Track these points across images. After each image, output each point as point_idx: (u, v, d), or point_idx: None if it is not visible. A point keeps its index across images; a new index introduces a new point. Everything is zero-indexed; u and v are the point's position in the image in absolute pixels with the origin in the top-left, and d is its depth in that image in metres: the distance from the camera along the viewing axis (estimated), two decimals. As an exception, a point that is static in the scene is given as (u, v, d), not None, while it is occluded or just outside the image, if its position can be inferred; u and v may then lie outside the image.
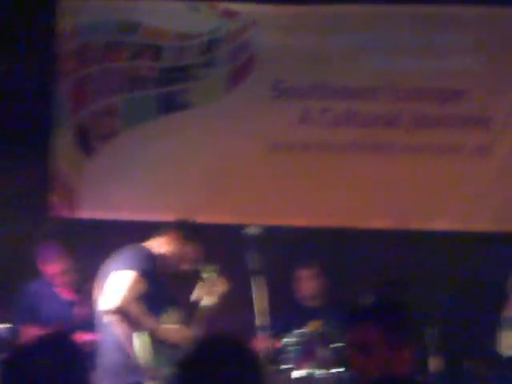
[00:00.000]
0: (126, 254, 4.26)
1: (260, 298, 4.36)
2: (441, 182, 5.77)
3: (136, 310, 4.07)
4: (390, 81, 5.86)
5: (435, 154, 5.82)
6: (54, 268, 5.06)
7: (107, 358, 4.17)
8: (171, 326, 4.19)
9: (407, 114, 5.86)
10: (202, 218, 5.71)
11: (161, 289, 4.24)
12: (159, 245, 4.42)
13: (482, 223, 5.69)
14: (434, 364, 4.38)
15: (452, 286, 5.41)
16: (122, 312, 4.05)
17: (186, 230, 4.48)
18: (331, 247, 5.53)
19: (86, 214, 5.85)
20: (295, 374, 4.43)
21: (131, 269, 4.13)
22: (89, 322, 4.64)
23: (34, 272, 5.13)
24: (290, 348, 4.53)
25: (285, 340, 4.51)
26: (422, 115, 5.85)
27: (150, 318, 4.12)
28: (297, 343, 4.59)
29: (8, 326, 4.71)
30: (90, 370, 2.44)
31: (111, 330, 4.14)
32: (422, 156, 5.83)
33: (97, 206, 5.87)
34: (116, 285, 4.10)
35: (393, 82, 5.87)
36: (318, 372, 4.40)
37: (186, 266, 4.40)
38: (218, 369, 2.15)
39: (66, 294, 5.15)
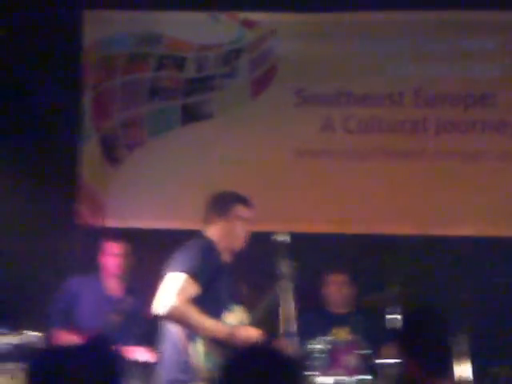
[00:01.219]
0: (178, 254, 4.15)
1: (287, 304, 4.35)
2: (466, 187, 5.75)
3: (189, 311, 3.96)
4: (414, 87, 5.86)
5: (460, 159, 5.80)
6: (117, 246, 5.14)
7: (167, 364, 4.10)
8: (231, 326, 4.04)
9: (432, 119, 5.85)
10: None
11: (223, 283, 4.12)
12: (212, 234, 4.25)
13: (507, 229, 5.66)
14: (463, 371, 4.35)
15: (480, 293, 5.37)
16: (174, 315, 3.96)
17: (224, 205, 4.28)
18: (358, 253, 5.52)
19: (112, 223, 5.90)
20: (321, 381, 4.41)
21: (182, 270, 4.02)
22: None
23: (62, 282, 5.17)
24: (315, 355, 4.52)
25: (310, 346, 4.50)
26: (447, 121, 5.84)
27: (206, 319, 4.00)
28: (323, 350, 4.58)
29: (40, 334, 4.74)
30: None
31: (169, 335, 4.09)
32: (447, 162, 5.81)
33: (123, 215, 5.91)
34: (167, 287, 4.00)
35: (417, 88, 5.86)
36: (345, 379, 4.39)
37: (238, 246, 4.23)
38: (259, 380, 2.16)
39: (114, 290, 5.19)
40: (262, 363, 2.19)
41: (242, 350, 2.36)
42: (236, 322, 4.07)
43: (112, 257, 5.16)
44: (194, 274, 4.02)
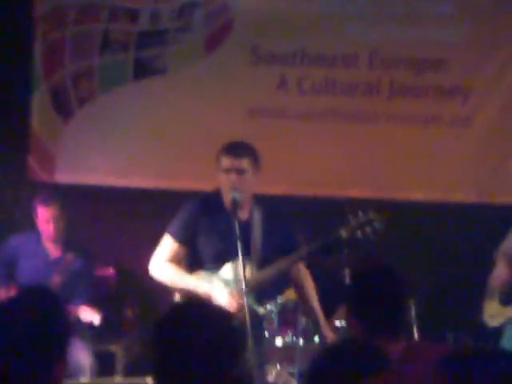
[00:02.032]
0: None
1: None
2: (419, 151, 5.80)
3: (164, 271, 4.08)
4: (369, 49, 5.85)
5: (414, 123, 5.84)
6: (48, 211, 5.00)
7: None
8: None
9: (385, 83, 5.86)
10: (180, 184, 5.73)
11: (226, 236, 4.04)
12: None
13: (460, 194, 5.74)
14: (418, 335, 4.41)
15: (435, 258, 5.45)
16: (154, 275, 4.11)
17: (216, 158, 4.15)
18: (309, 216, 5.52)
19: (63, 178, 5.79)
20: (278, 342, 4.43)
21: (167, 231, 4.14)
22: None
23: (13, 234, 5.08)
24: (273, 316, 4.53)
25: (269, 307, 4.49)
26: (402, 84, 5.86)
27: (182, 278, 4.07)
28: (273, 312, 4.60)
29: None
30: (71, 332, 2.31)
31: None
32: (400, 125, 5.85)
33: (74, 171, 5.81)
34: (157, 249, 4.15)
35: (372, 50, 5.85)
36: (294, 341, 4.41)
37: (226, 199, 4.07)
38: (193, 332, 2.13)
39: (53, 251, 5.10)
40: (198, 316, 2.17)
41: (173, 308, 2.33)
42: (232, 275, 4.05)
43: (45, 222, 5.04)
44: (175, 233, 4.10)
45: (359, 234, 4.06)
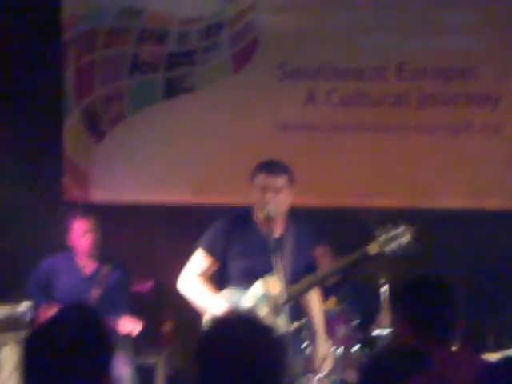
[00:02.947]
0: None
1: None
2: (450, 160, 5.79)
3: (187, 286, 4.11)
4: (397, 60, 5.86)
5: (444, 132, 5.83)
6: (82, 225, 5.05)
7: None
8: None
9: (414, 93, 5.86)
10: (211, 199, 5.77)
11: (260, 252, 4.03)
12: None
13: (491, 201, 5.70)
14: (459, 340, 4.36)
15: (467, 264, 5.40)
16: (180, 289, 4.13)
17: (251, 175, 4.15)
18: (344, 226, 5.52)
19: (97, 196, 5.87)
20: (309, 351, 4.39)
21: (198, 245, 4.16)
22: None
23: (49, 253, 5.15)
24: (305, 325, 4.51)
25: (304, 319, 4.48)
26: (430, 94, 5.86)
27: (202, 295, 4.07)
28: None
29: (25, 305, 4.72)
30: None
31: None
32: (430, 135, 5.83)
33: (107, 189, 5.90)
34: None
35: (400, 61, 5.86)
36: (338, 350, 4.38)
37: (259, 216, 4.06)
38: (237, 346, 2.12)
39: (88, 268, 5.15)
40: (242, 331, 2.16)
41: (221, 319, 2.32)
42: (262, 292, 4.04)
43: (81, 235, 5.08)
44: (206, 247, 4.13)
45: (388, 249, 4.04)
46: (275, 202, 4.08)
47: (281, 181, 4.11)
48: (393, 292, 4.69)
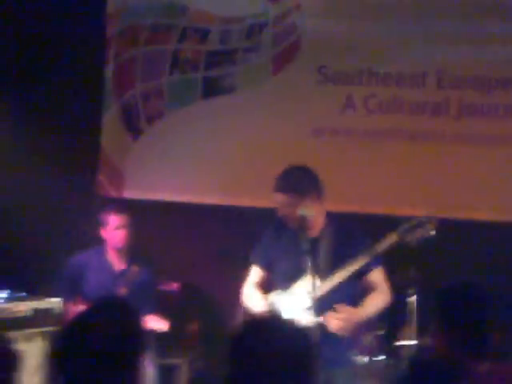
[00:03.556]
0: None
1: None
2: (488, 171, 5.70)
3: (244, 298, 4.24)
4: (437, 68, 5.79)
5: (482, 142, 5.74)
6: (116, 220, 5.09)
7: None
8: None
9: (454, 102, 5.79)
10: (247, 201, 5.78)
11: (297, 255, 4.10)
12: None
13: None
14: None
15: (496, 277, 5.35)
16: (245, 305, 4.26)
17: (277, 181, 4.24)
18: (377, 234, 5.49)
19: (131, 194, 5.92)
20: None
21: (250, 260, 4.33)
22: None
23: (82, 248, 5.20)
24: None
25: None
26: (470, 103, 5.78)
27: (253, 303, 4.19)
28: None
29: (55, 300, 4.78)
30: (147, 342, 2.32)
31: None
32: (469, 145, 5.76)
33: (141, 187, 5.94)
34: None
35: (440, 70, 5.80)
36: (362, 359, 4.38)
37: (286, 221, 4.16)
38: (270, 347, 2.14)
39: (118, 264, 5.19)
40: (274, 334, 2.18)
41: (254, 321, 2.34)
42: (302, 291, 4.08)
43: (114, 230, 5.12)
44: (256, 260, 4.31)
45: (409, 238, 4.03)
46: (302, 208, 4.11)
47: (286, 198, 4.16)
48: (430, 301, 4.65)
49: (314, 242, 4.09)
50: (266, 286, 4.27)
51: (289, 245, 4.19)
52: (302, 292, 4.07)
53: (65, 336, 2.25)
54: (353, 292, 4.21)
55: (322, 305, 4.02)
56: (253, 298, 4.25)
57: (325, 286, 4.06)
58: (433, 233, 4.04)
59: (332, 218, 4.33)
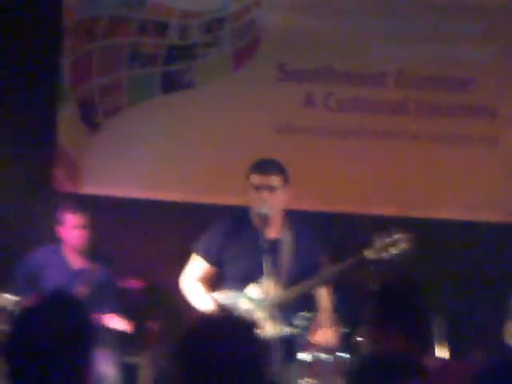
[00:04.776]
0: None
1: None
2: (446, 170, 5.77)
3: (185, 290, 4.16)
4: (397, 67, 5.84)
5: (441, 142, 5.82)
6: (74, 220, 4.99)
7: None
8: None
9: (413, 101, 5.84)
10: (205, 198, 5.74)
11: (255, 255, 4.05)
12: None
13: (487, 213, 5.69)
14: (441, 352, 4.37)
15: (458, 276, 5.42)
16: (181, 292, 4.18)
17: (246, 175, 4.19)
18: (333, 232, 5.50)
19: (89, 189, 5.81)
20: (300, 356, 4.38)
21: (194, 249, 4.22)
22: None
23: (38, 245, 5.09)
24: (301, 332, 4.49)
25: (296, 323, 4.46)
26: (429, 103, 5.84)
27: (195, 297, 4.12)
28: (301, 327, 4.55)
29: (10, 297, 4.67)
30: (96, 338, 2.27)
31: None
32: (427, 144, 5.82)
33: (100, 182, 5.83)
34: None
35: (400, 69, 5.84)
36: (324, 356, 4.36)
37: (253, 216, 4.11)
38: (216, 347, 2.12)
39: (77, 262, 5.09)
40: (222, 331, 2.16)
41: (201, 318, 2.32)
42: (258, 294, 4.04)
43: (72, 229, 5.02)
44: (203, 253, 4.18)
45: (384, 255, 4.04)
46: (270, 201, 4.08)
47: (274, 180, 4.15)
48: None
49: (274, 244, 4.05)
50: (210, 282, 4.17)
51: (247, 244, 4.12)
52: (258, 295, 4.03)
53: (11, 332, 2.22)
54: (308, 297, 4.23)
55: (283, 311, 4.00)
56: (196, 294, 4.16)
57: (287, 294, 4.03)
58: (408, 249, 4.06)
59: (290, 217, 4.29)
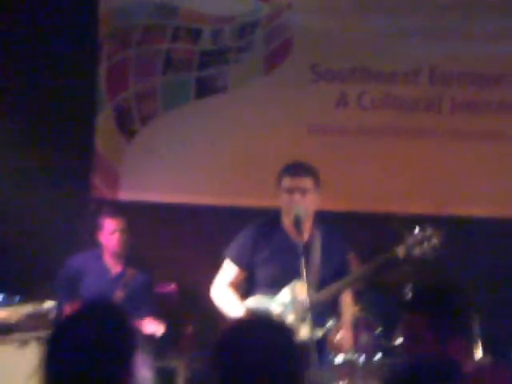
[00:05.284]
0: None
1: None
2: (481, 167, 5.73)
3: (217, 295, 4.17)
4: (430, 64, 5.82)
5: (475, 139, 5.78)
6: (114, 222, 5.08)
7: None
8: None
9: (447, 98, 5.82)
10: (242, 201, 5.78)
11: (285, 259, 4.07)
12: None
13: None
14: (477, 354, 4.34)
15: (498, 274, 5.37)
16: (212, 299, 4.20)
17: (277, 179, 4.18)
18: (369, 231, 5.51)
19: (126, 195, 5.91)
20: (336, 359, 4.40)
21: (226, 254, 4.22)
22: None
23: (77, 251, 5.18)
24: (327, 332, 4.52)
25: (328, 325, 4.49)
26: (462, 100, 5.81)
27: (228, 304, 4.12)
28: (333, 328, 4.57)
29: (50, 303, 4.76)
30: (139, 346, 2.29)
31: None
32: (462, 141, 5.79)
33: (137, 188, 5.93)
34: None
35: (433, 66, 5.82)
36: (355, 358, 4.38)
37: (288, 220, 4.10)
38: (252, 353, 2.13)
39: (115, 267, 5.18)
40: (259, 335, 2.16)
41: (238, 323, 2.33)
42: (290, 298, 4.06)
43: (110, 234, 5.10)
44: (235, 258, 4.18)
45: (416, 252, 4.03)
46: (302, 204, 4.09)
47: (307, 182, 4.14)
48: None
49: (304, 246, 4.05)
50: (240, 287, 4.19)
51: (278, 247, 4.13)
52: (291, 298, 4.05)
53: (52, 338, 2.24)
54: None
55: (316, 314, 4.02)
56: (228, 300, 4.16)
57: (320, 296, 4.05)
58: (440, 245, 4.04)
59: (320, 219, 4.31)
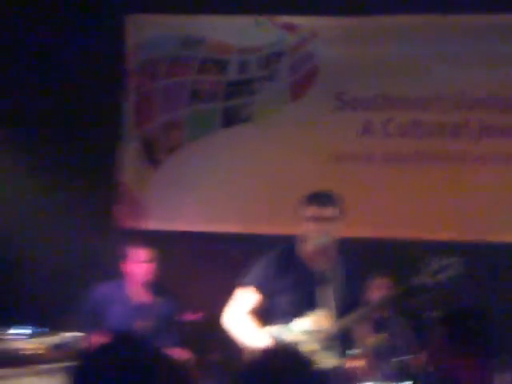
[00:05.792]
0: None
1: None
2: (509, 192, 5.69)
3: (233, 323, 4.13)
4: (454, 90, 5.82)
5: (502, 163, 5.74)
6: (142, 254, 5.06)
7: None
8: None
9: (473, 123, 5.80)
10: (266, 229, 5.80)
11: (304, 289, 4.06)
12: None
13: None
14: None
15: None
16: (225, 327, 4.15)
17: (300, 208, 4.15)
18: (396, 259, 5.49)
19: (151, 225, 5.96)
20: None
21: (244, 283, 4.19)
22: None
23: (101, 282, 5.23)
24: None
25: (350, 353, 4.47)
26: (488, 124, 5.79)
27: (246, 333, 4.09)
28: (361, 355, 4.55)
29: (76, 334, 4.78)
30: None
31: None
32: (489, 166, 5.75)
33: (162, 218, 5.98)
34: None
35: (458, 92, 5.82)
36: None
37: (310, 249, 4.09)
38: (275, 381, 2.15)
39: (140, 296, 5.18)
40: (281, 365, 2.19)
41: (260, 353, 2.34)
42: (312, 326, 4.04)
43: (139, 264, 5.06)
44: (255, 283, 4.15)
45: (434, 280, 4.01)
46: (328, 233, 4.11)
47: (332, 211, 4.14)
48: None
49: (324, 275, 4.06)
50: (257, 315, 4.12)
51: (296, 275, 4.11)
52: (311, 327, 4.05)
53: (81, 369, 2.26)
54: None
55: (337, 343, 4.00)
56: (249, 328, 4.10)
57: (340, 325, 4.03)
58: (459, 274, 4.02)
59: (342, 247, 4.31)
